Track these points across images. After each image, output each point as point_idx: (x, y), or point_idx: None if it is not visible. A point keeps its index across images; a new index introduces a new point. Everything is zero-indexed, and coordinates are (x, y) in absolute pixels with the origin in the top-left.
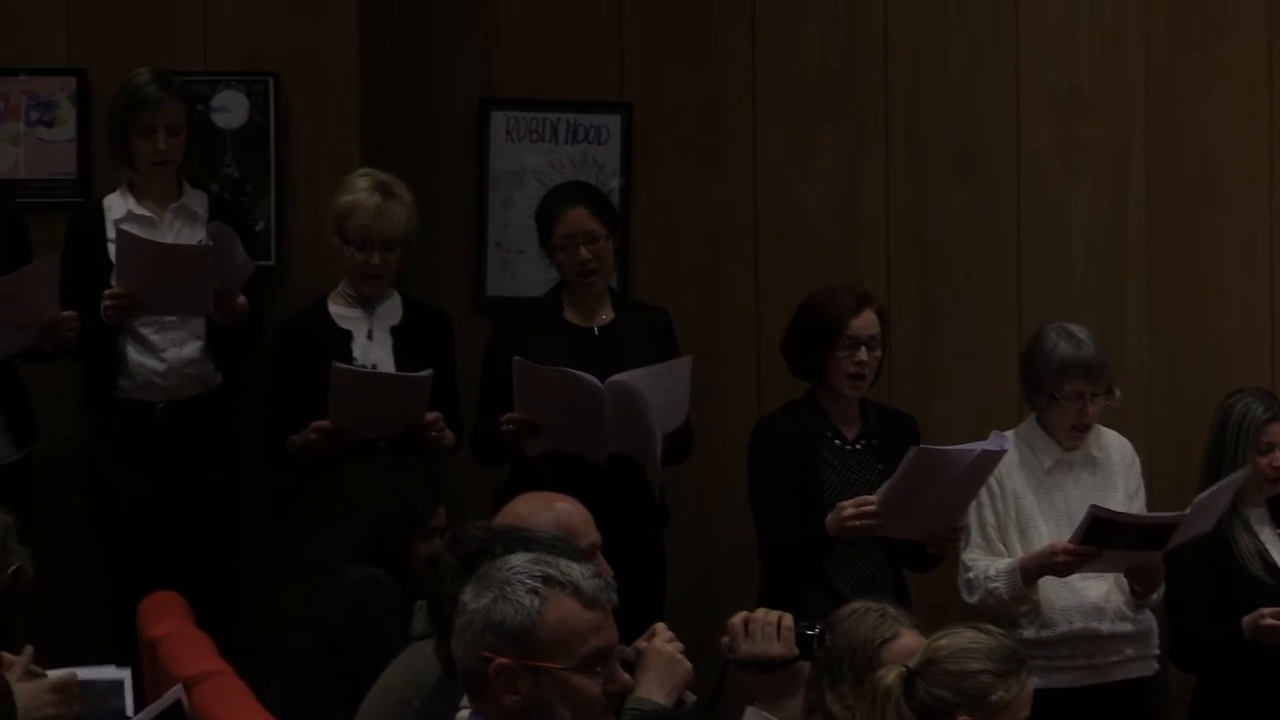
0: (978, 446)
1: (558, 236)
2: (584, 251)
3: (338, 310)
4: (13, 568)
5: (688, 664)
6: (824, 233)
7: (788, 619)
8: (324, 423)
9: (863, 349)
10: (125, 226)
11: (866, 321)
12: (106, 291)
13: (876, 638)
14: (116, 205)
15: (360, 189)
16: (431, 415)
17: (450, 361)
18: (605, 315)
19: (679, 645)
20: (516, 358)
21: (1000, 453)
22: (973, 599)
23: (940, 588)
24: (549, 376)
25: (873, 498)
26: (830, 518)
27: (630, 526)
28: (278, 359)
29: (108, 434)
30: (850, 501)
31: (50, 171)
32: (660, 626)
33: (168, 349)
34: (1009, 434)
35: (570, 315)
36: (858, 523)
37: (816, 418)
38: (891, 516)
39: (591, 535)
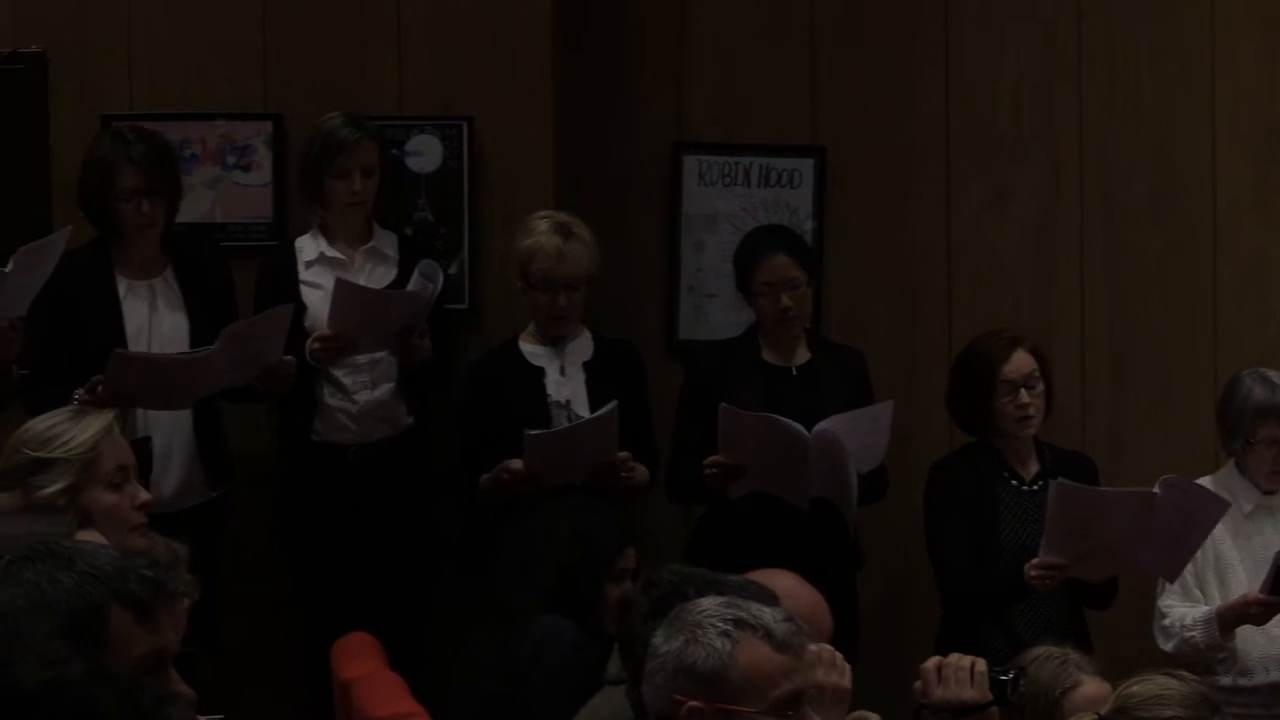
0: (1130, 488)
1: (758, 283)
2: (785, 299)
3: (529, 348)
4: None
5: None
6: (1017, 276)
7: (981, 664)
8: (516, 464)
9: (1022, 391)
10: (319, 269)
11: (1020, 363)
12: (316, 334)
13: (1057, 687)
14: (308, 247)
15: (540, 232)
16: (621, 454)
17: (643, 396)
18: (802, 356)
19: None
20: (723, 404)
21: (1153, 495)
22: (1168, 646)
23: (1126, 630)
24: (755, 422)
25: (1055, 559)
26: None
27: (825, 569)
28: (469, 399)
29: (301, 476)
30: (1034, 564)
31: (245, 215)
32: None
33: (360, 391)
34: (1207, 480)
35: (767, 355)
36: (1045, 581)
37: (992, 460)
38: (1073, 556)
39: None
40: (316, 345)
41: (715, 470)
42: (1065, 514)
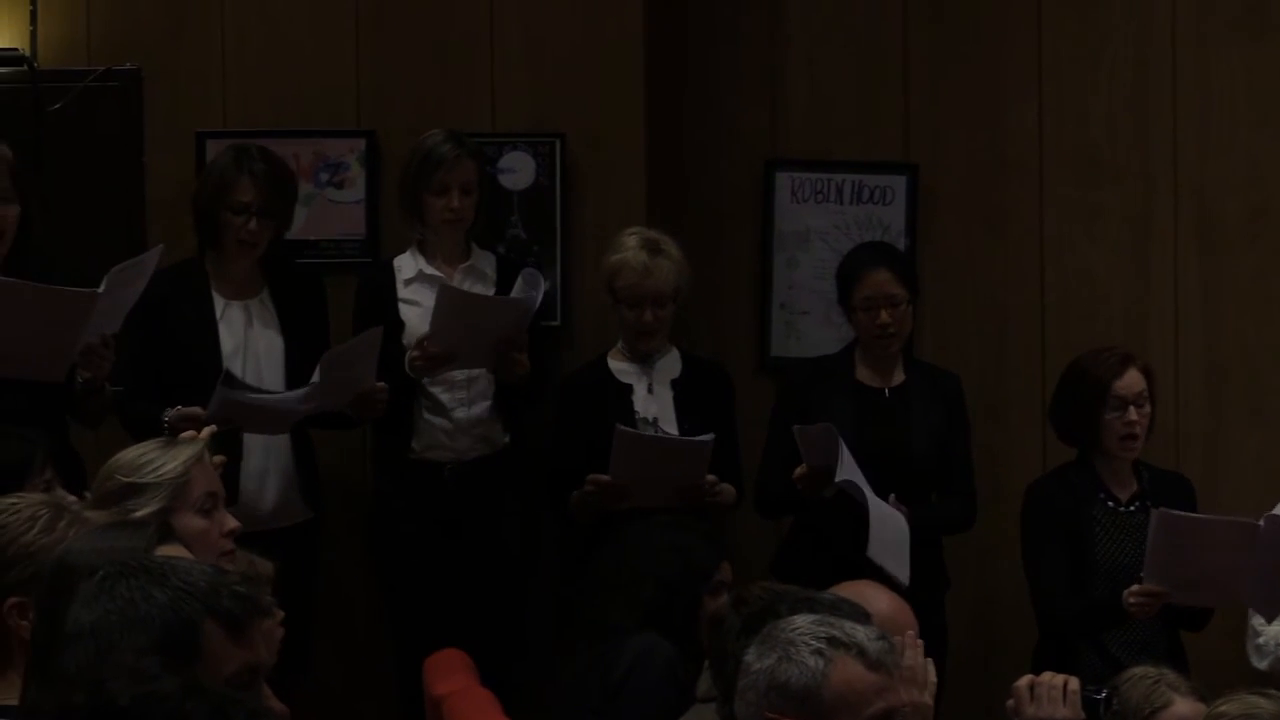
0: (1233, 518)
1: (859, 298)
2: (885, 315)
3: (617, 365)
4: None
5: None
6: (1110, 295)
7: (1074, 683)
8: (603, 477)
9: (1131, 409)
10: (417, 286)
11: (1131, 381)
12: (421, 338)
13: (1147, 707)
14: (407, 265)
15: (628, 247)
16: (710, 478)
17: (730, 417)
18: (897, 377)
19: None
20: (796, 426)
21: (1255, 527)
22: (1262, 664)
23: (1221, 650)
24: (818, 433)
25: (1155, 586)
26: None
27: (913, 588)
28: (560, 414)
29: (397, 493)
30: (1133, 590)
31: (338, 232)
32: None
33: (456, 409)
34: None
35: (862, 375)
36: (1144, 608)
37: (1088, 480)
38: (1174, 584)
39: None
40: (416, 354)
41: (802, 482)
42: (1166, 542)
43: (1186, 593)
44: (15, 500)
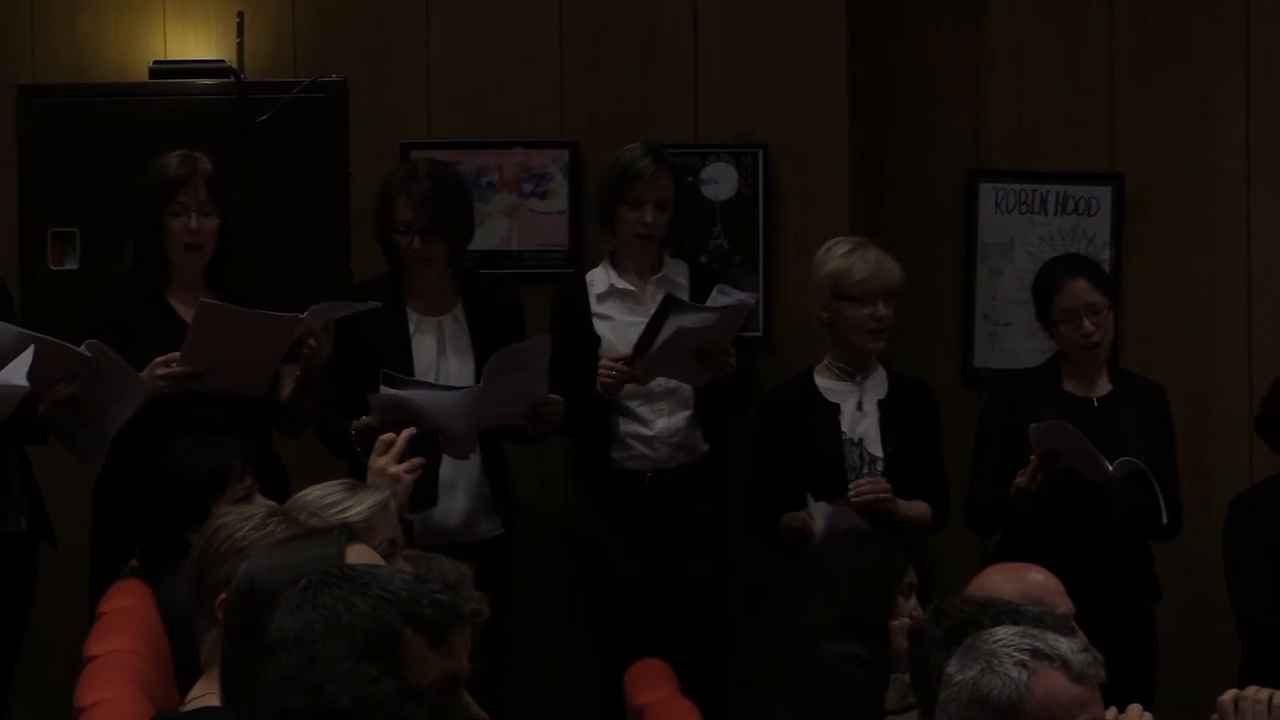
0: None
1: (1058, 310)
2: (1088, 324)
3: (825, 383)
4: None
5: None
6: None
7: (1279, 697)
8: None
9: None
10: (610, 302)
11: None
12: (616, 358)
13: None
14: (599, 279)
15: (850, 250)
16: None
17: (934, 435)
18: (1103, 387)
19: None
20: (1033, 425)
21: None
22: None
23: None
24: (1065, 431)
25: None
26: None
27: (1124, 601)
28: (764, 431)
29: (599, 504)
30: None
31: (541, 243)
32: (1135, 708)
33: (656, 419)
34: None
35: (1069, 386)
36: None
37: None
38: None
39: (1063, 605)
40: (604, 372)
41: (1021, 481)
42: None
43: None
44: (240, 508)
